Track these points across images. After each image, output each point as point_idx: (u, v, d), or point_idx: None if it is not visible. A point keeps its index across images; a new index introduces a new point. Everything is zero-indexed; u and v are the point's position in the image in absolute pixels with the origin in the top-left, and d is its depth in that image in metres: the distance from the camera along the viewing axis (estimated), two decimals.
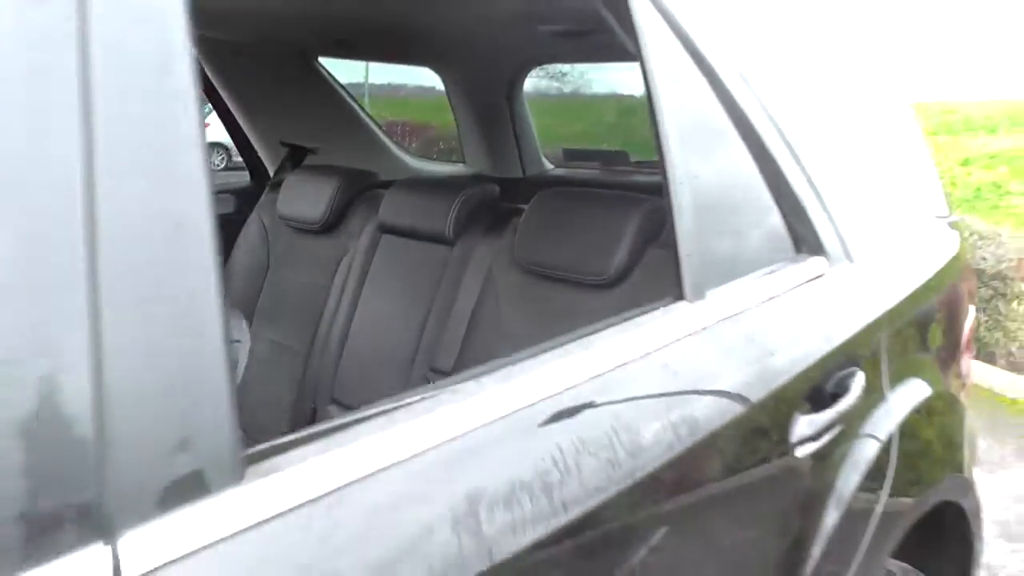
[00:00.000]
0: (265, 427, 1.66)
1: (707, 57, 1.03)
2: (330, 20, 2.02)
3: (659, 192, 0.99)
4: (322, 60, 2.56)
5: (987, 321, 4.50)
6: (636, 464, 0.79)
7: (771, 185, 1.11)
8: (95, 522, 0.48)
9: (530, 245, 1.53)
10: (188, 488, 0.52)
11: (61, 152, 0.48)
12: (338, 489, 0.59)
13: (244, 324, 1.91)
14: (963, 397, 1.56)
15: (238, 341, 1.48)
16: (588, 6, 1.02)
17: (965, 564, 1.47)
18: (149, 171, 0.52)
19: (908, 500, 1.21)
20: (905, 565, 1.30)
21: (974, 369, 4.90)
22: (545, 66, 2.93)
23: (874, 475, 1.12)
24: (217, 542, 0.52)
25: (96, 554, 0.48)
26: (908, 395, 1.23)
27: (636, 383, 0.85)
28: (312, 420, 1.85)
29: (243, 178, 2.65)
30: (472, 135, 2.65)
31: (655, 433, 0.83)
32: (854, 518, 1.08)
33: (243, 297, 2.10)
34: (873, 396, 1.14)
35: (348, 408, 1.56)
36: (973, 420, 1.62)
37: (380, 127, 2.77)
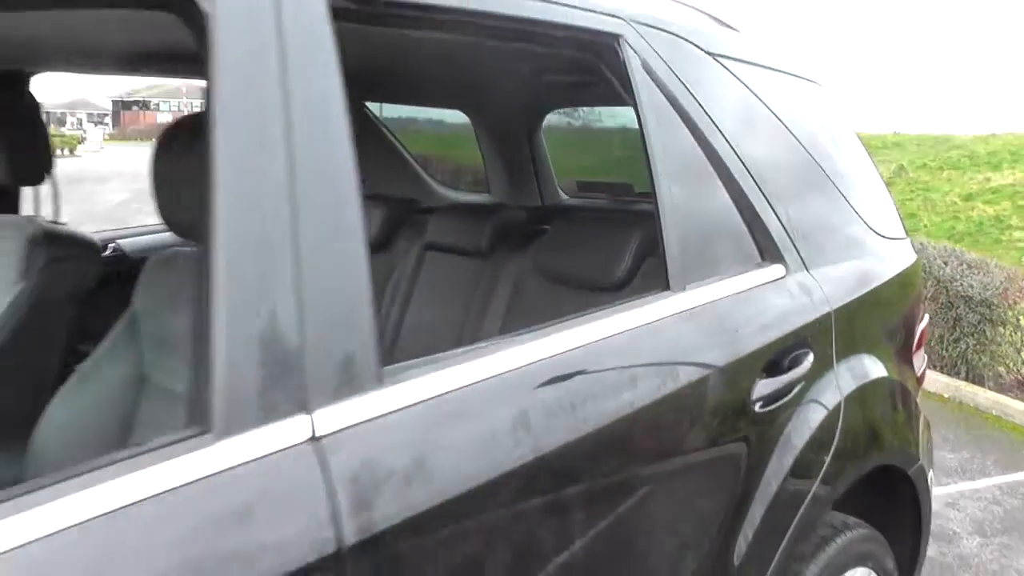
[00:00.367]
0: None
1: (687, 108, 1.37)
2: (379, 71, 2.37)
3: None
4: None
5: (975, 344, 4.75)
6: (631, 403, 1.11)
7: (739, 208, 1.43)
8: (300, 402, 0.80)
9: (551, 258, 1.89)
10: (350, 386, 0.84)
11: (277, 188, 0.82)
12: (444, 394, 0.91)
13: None
14: (916, 389, 1.86)
15: None
16: (597, 73, 1.35)
17: (916, 525, 1.78)
18: (327, 197, 0.86)
19: (852, 461, 1.51)
20: (849, 518, 1.59)
21: (961, 390, 5.09)
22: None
23: (823, 436, 1.43)
24: (367, 420, 0.84)
25: (300, 421, 0.80)
26: (854, 375, 1.54)
27: (632, 348, 1.17)
28: None
29: None
30: (496, 168, 2.97)
31: (644, 384, 1.14)
32: (802, 469, 1.38)
33: None
34: (823, 372, 1.45)
35: None
36: (928, 413, 1.91)
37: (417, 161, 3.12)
